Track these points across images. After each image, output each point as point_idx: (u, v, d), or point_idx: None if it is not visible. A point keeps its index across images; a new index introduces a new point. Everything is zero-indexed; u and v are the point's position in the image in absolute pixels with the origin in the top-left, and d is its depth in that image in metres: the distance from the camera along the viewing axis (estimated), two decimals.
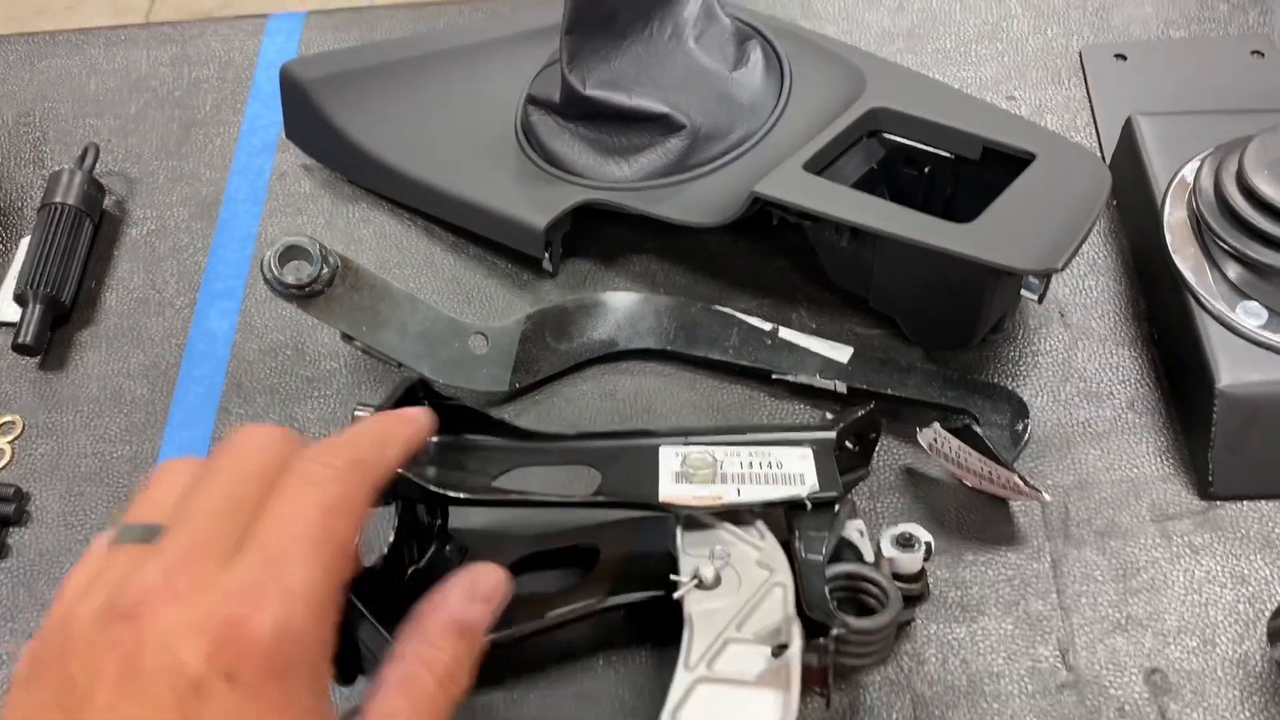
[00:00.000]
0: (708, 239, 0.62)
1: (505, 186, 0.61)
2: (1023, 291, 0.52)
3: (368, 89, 0.66)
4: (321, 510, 0.29)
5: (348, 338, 0.55)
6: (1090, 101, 0.67)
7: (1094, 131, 0.66)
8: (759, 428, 0.50)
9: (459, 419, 0.49)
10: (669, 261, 0.62)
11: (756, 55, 0.62)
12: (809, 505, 0.45)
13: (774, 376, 0.56)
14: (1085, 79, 0.68)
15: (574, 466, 0.49)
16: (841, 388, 0.55)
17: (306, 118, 0.66)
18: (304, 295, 0.53)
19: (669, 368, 0.58)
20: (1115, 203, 0.62)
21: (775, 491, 0.46)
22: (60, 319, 0.62)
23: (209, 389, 0.59)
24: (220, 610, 0.26)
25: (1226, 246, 0.53)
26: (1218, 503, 0.52)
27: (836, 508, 0.46)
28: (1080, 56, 0.69)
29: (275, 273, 0.52)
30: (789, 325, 0.58)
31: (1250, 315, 0.51)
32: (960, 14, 0.73)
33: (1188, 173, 0.57)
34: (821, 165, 0.57)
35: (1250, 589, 0.49)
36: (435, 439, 0.49)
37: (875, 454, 0.52)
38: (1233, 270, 0.53)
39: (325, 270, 0.53)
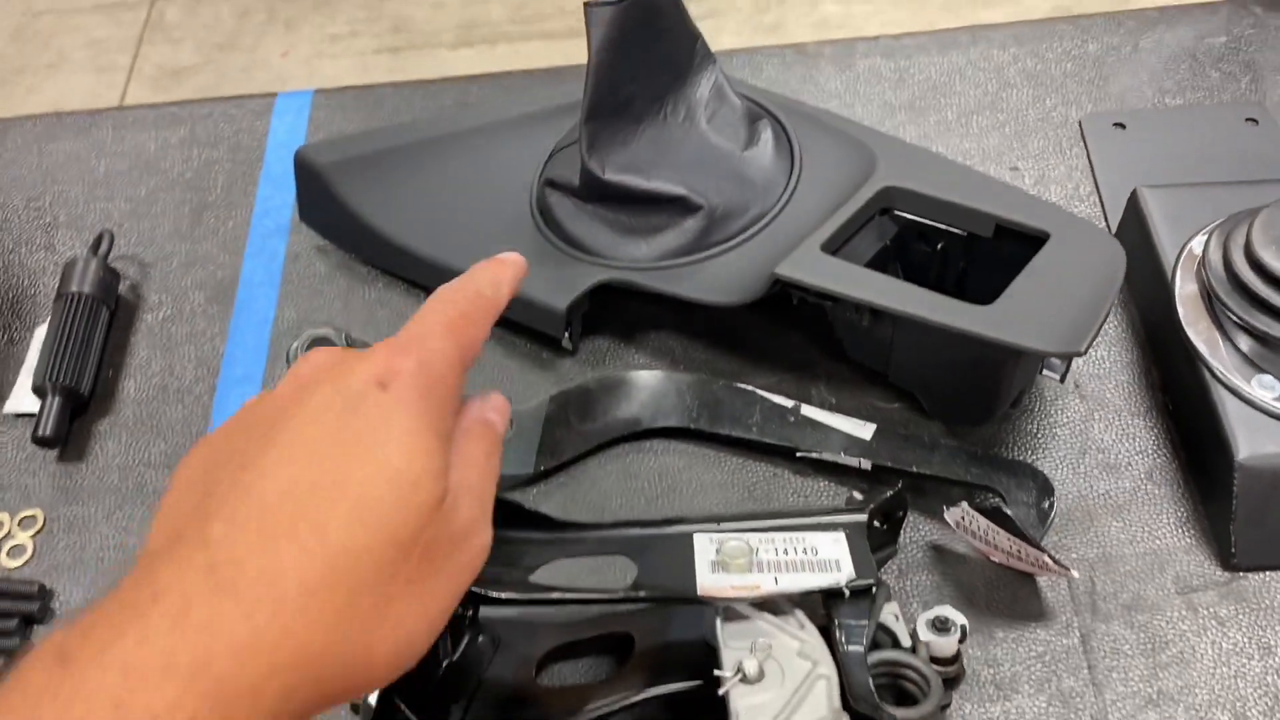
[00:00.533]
0: (725, 314, 0.62)
1: None
2: (1045, 372, 0.53)
3: (382, 172, 0.66)
4: (455, 313, 0.37)
5: None
6: (1093, 171, 0.69)
7: (1098, 201, 0.67)
8: (790, 512, 0.50)
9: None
10: (687, 337, 0.63)
11: (767, 134, 0.63)
12: (847, 593, 0.46)
13: (798, 454, 0.56)
14: (1086, 148, 0.70)
15: (609, 556, 0.50)
16: (866, 465, 0.56)
17: (321, 201, 0.67)
18: None
19: (693, 446, 0.59)
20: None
21: (813, 580, 0.46)
22: (79, 409, 0.62)
23: None
24: (377, 357, 0.34)
25: (1238, 320, 0.54)
26: (1241, 574, 0.52)
27: (874, 593, 0.46)
28: (1080, 126, 0.71)
29: None
30: (809, 401, 0.59)
31: (1265, 389, 0.53)
32: (960, 85, 0.74)
33: (1196, 245, 0.58)
34: (838, 244, 0.58)
35: (1278, 660, 0.50)
36: None
37: (902, 531, 0.53)
38: (1245, 343, 0.54)
39: None
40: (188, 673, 0.27)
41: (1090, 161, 0.69)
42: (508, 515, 0.50)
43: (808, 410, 0.58)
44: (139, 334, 0.66)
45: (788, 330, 0.62)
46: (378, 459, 0.31)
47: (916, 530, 0.55)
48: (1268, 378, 0.53)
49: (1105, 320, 0.51)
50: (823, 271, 0.55)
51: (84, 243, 0.69)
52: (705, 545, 0.48)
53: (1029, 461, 0.56)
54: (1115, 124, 0.71)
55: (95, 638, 0.28)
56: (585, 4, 0.57)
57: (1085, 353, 0.49)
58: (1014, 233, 0.56)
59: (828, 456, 0.56)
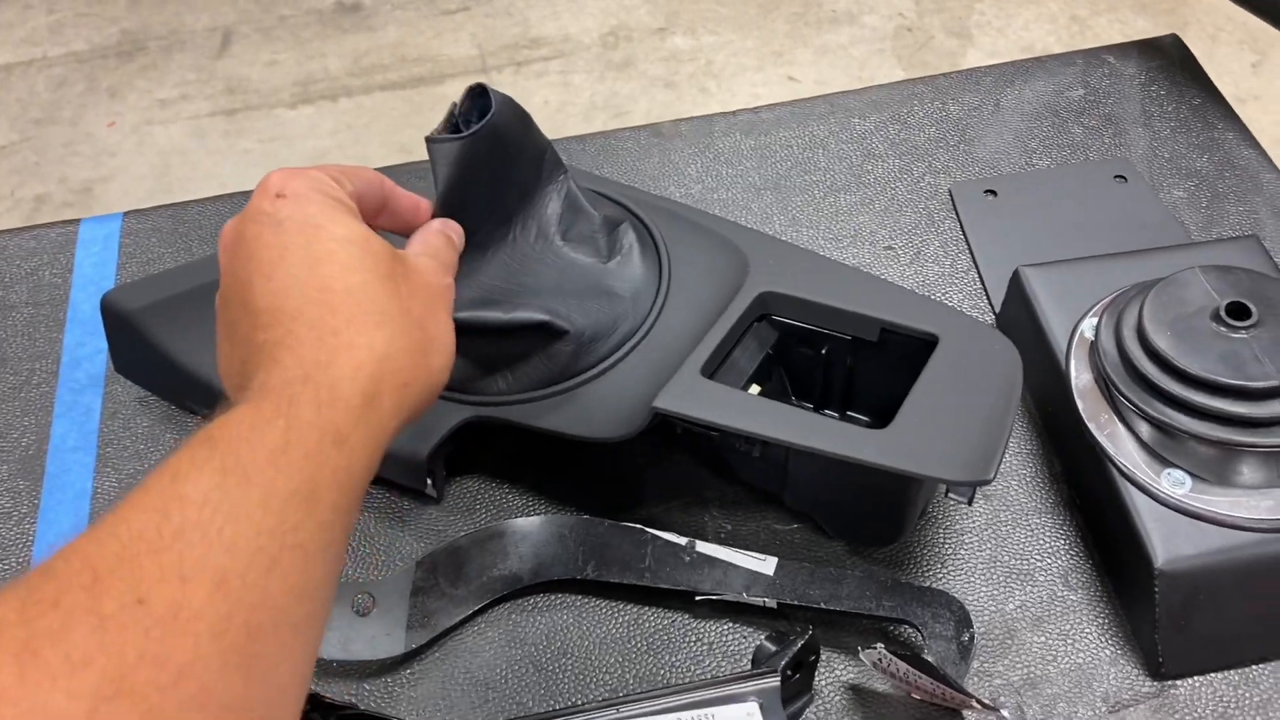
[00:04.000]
0: (602, 443, 0.57)
1: None
2: (951, 495, 0.49)
3: (204, 311, 0.59)
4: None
5: None
6: (968, 243, 0.66)
7: (977, 276, 0.65)
8: (695, 685, 0.45)
9: None
10: (562, 470, 0.57)
11: (630, 240, 0.58)
12: None
13: (698, 599, 0.52)
14: (959, 218, 0.67)
15: None
16: (772, 603, 0.51)
17: (137, 351, 0.59)
18: None
19: (582, 598, 0.53)
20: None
21: None
22: None
23: None
24: (268, 183, 0.41)
25: (1139, 411, 0.51)
26: (1170, 683, 0.50)
27: None
28: (951, 195, 0.68)
29: None
30: (702, 530, 0.54)
31: (1176, 485, 0.50)
32: (824, 159, 0.71)
33: (1087, 329, 0.55)
34: (718, 362, 0.53)
35: None
36: None
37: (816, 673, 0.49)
38: (1149, 435, 0.51)
39: None
40: (355, 389, 0.36)
41: (964, 233, 0.67)
42: None
43: (703, 547, 0.53)
44: None
45: (671, 451, 0.57)
46: (326, 241, 0.39)
47: (831, 670, 0.50)
48: (1178, 472, 0.50)
49: (1009, 435, 0.47)
50: (705, 401, 0.50)
51: None
52: None
53: (940, 578, 0.53)
54: (986, 191, 0.68)
55: (276, 400, 0.35)
56: (427, 139, 0.51)
57: (993, 479, 0.46)
58: (902, 334, 0.53)
59: (729, 597, 0.51)
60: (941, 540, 0.54)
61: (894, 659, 0.47)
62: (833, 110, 0.74)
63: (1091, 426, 0.52)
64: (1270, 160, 0.69)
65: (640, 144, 0.72)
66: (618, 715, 0.44)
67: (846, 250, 0.66)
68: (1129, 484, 0.51)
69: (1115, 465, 0.51)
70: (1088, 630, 0.52)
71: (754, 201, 0.69)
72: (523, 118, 0.54)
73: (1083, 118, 0.72)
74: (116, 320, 0.59)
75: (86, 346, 0.64)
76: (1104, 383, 0.53)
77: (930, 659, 0.48)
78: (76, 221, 0.70)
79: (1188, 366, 0.50)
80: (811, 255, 0.58)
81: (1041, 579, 0.53)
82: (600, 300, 0.56)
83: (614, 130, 0.73)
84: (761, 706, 0.44)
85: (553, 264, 0.56)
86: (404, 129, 1.92)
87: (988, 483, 0.46)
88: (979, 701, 0.45)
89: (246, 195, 0.73)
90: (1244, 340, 0.50)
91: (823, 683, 0.50)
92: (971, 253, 0.66)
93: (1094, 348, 0.54)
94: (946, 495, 0.50)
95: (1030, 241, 0.65)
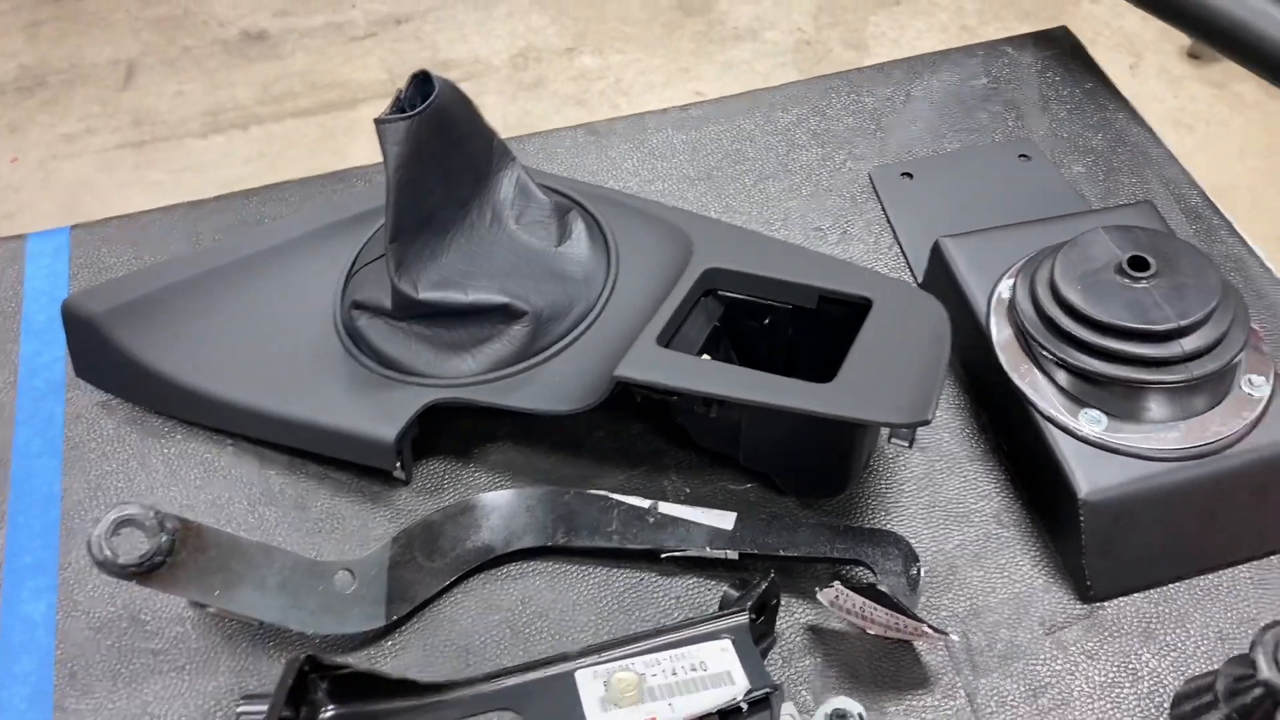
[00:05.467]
0: (563, 417, 0.60)
1: (339, 399, 0.58)
2: (893, 441, 0.53)
3: (165, 312, 0.61)
4: None
5: (198, 604, 0.50)
6: (890, 222, 0.71)
7: (900, 252, 0.69)
8: (671, 627, 0.48)
9: (356, 687, 0.45)
10: (527, 446, 0.60)
11: (579, 226, 0.62)
12: (745, 708, 0.44)
13: (663, 556, 0.55)
14: (880, 200, 0.72)
15: (491, 713, 0.46)
16: (734, 555, 0.54)
17: (99, 354, 0.60)
18: (144, 571, 0.47)
19: (553, 564, 0.56)
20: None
21: (709, 699, 0.44)
22: None
23: (37, 687, 0.52)
24: None
25: (1055, 358, 0.56)
26: (1099, 604, 0.54)
27: (770, 700, 0.45)
28: (871, 179, 0.73)
29: (107, 553, 0.47)
30: (663, 495, 0.57)
31: (1093, 423, 0.55)
32: (752, 152, 0.75)
33: (1004, 289, 0.60)
34: (670, 334, 0.56)
35: (1146, 684, 0.52)
36: (331, 712, 0.44)
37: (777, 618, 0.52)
38: (1065, 380, 0.56)
39: (164, 538, 0.48)
40: None
41: (885, 213, 0.71)
42: (367, 687, 0.45)
43: (666, 508, 0.56)
44: None
45: (629, 422, 0.61)
46: None
47: (791, 614, 0.54)
48: (1094, 411, 0.55)
49: (943, 383, 0.52)
50: (663, 367, 0.53)
51: None
52: (590, 682, 0.45)
53: (886, 524, 0.57)
54: (903, 174, 0.73)
55: None
56: (376, 121, 0.54)
57: (932, 420, 0.50)
58: (838, 301, 0.57)
59: (693, 553, 0.54)
60: (884, 490, 0.58)
61: (849, 594, 0.51)
62: (757, 105, 0.78)
63: (1013, 376, 0.57)
64: (1157, 136, 0.75)
65: (577, 142, 0.75)
66: (600, 659, 0.46)
67: (778, 233, 0.70)
68: (1051, 426, 0.55)
69: (1037, 410, 0.56)
70: (1021, 562, 0.56)
71: (689, 191, 0.72)
72: (466, 102, 0.57)
73: (987, 104, 0.77)
74: (78, 325, 0.60)
75: (44, 355, 0.64)
76: (1022, 336, 0.58)
77: (884, 590, 0.51)
78: (23, 236, 0.70)
79: (1096, 315, 0.55)
80: (751, 233, 0.62)
81: (977, 519, 0.57)
82: (554, 282, 0.59)
83: (553, 130, 0.76)
84: (734, 642, 0.47)
85: (508, 247, 0.59)
86: (319, 154, 1.92)
87: (927, 423, 0.50)
88: (930, 627, 0.49)
89: (192, 204, 0.74)
90: (1145, 289, 0.55)
91: (784, 626, 0.54)
92: (893, 230, 0.70)
93: (1011, 306, 0.59)
94: (890, 442, 0.54)
95: (946, 217, 0.70)
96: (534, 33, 2.17)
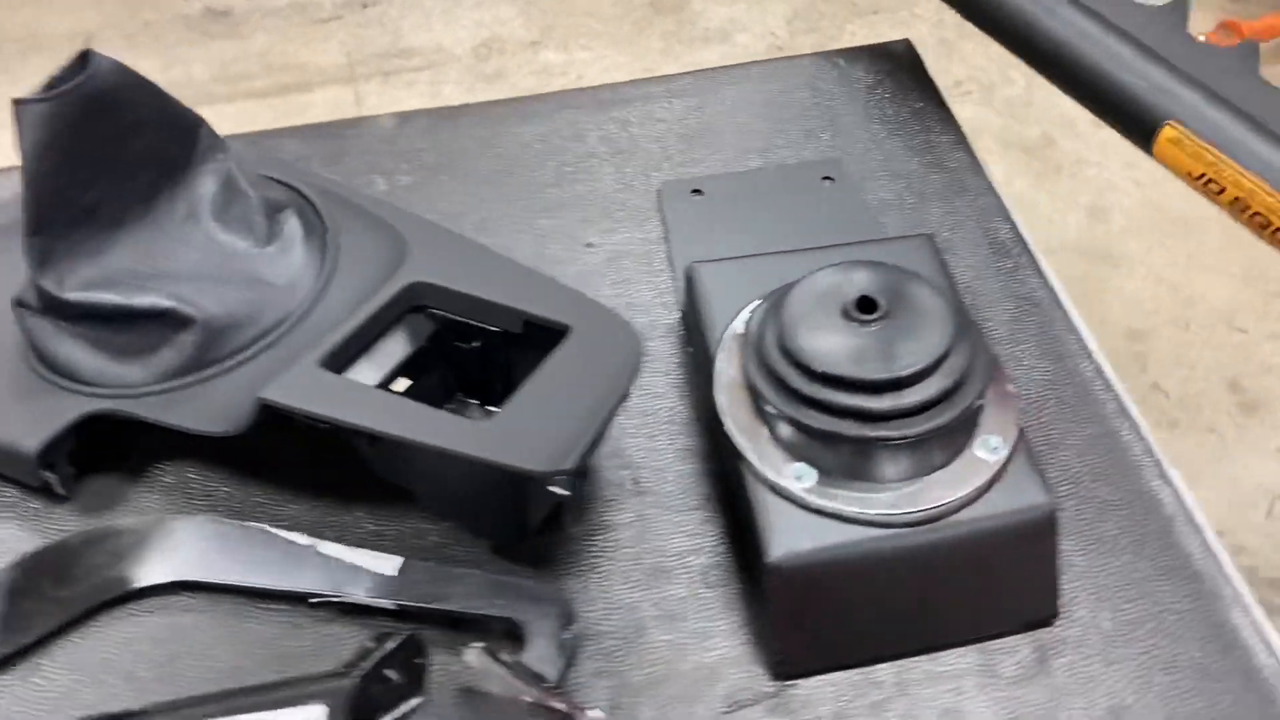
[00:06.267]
0: (250, 438, 0.55)
1: None
2: (552, 489, 0.48)
3: None
4: None
5: None
6: (668, 242, 0.65)
7: (670, 276, 0.64)
8: (262, 687, 0.43)
9: None
10: (210, 468, 0.55)
11: (292, 226, 0.57)
12: None
13: (310, 601, 0.50)
14: (664, 218, 0.66)
15: None
16: (392, 605, 0.49)
17: None
18: None
19: (200, 600, 0.51)
20: (691, 350, 0.60)
21: None
22: None
23: None
24: None
25: (771, 405, 0.50)
26: (790, 683, 0.49)
27: None
28: (659, 195, 0.67)
29: None
30: (344, 531, 0.52)
31: (797, 479, 0.49)
32: (540, 156, 0.70)
33: (739, 325, 0.54)
34: (353, 353, 0.51)
35: None
36: None
37: (428, 678, 0.47)
38: (779, 428, 0.50)
39: None
40: None
41: (667, 232, 0.66)
42: None
43: (327, 548, 0.51)
44: None
45: (325, 450, 0.55)
46: None
47: (448, 672, 0.49)
48: (803, 466, 0.49)
49: (606, 426, 0.46)
50: (312, 393, 0.48)
51: None
52: None
53: (581, 576, 0.52)
54: (693, 191, 0.67)
55: None
56: (14, 102, 0.49)
57: (573, 470, 0.44)
58: (541, 326, 0.52)
59: (345, 599, 0.49)
60: (594, 535, 0.53)
61: (490, 659, 0.45)
62: (558, 108, 0.73)
63: (727, 421, 0.51)
64: (980, 165, 0.69)
65: (384, 133, 0.71)
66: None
67: (546, 246, 0.65)
68: (755, 478, 0.50)
69: (745, 459, 0.50)
70: (720, 628, 0.50)
71: (475, 194, 0.67)
72: (145, 85, 0.52)
73: (803, 119, 0.72)
74: None
75: None
76: (745, 377, 0.52)
77: (527, 658, 0.46)
78: None
79: (806, 359, 0.49)
80: (470, 244, 0.57)
81: (682, 577, 0.52)
82: (245, 288, 0.54)
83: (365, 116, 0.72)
84: (329, 710, 0.42)
85: (198, 247, 0.54)
86: None
87: (565, 473, 0.44)
88: (565, 701, 0.44)
89: None
90: (870, 334, 0.50)
91: (438, 686, 0.48)
92: (670, 253, 0.65)
93: (743, 343, 0.53)
94: (548, 489, 0.48)
95: (727, 240, 0.64)
96: (500, 24, 2.12)
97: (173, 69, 2.04)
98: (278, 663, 0.49)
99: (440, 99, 2.08)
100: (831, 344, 0.49)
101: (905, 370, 0.48)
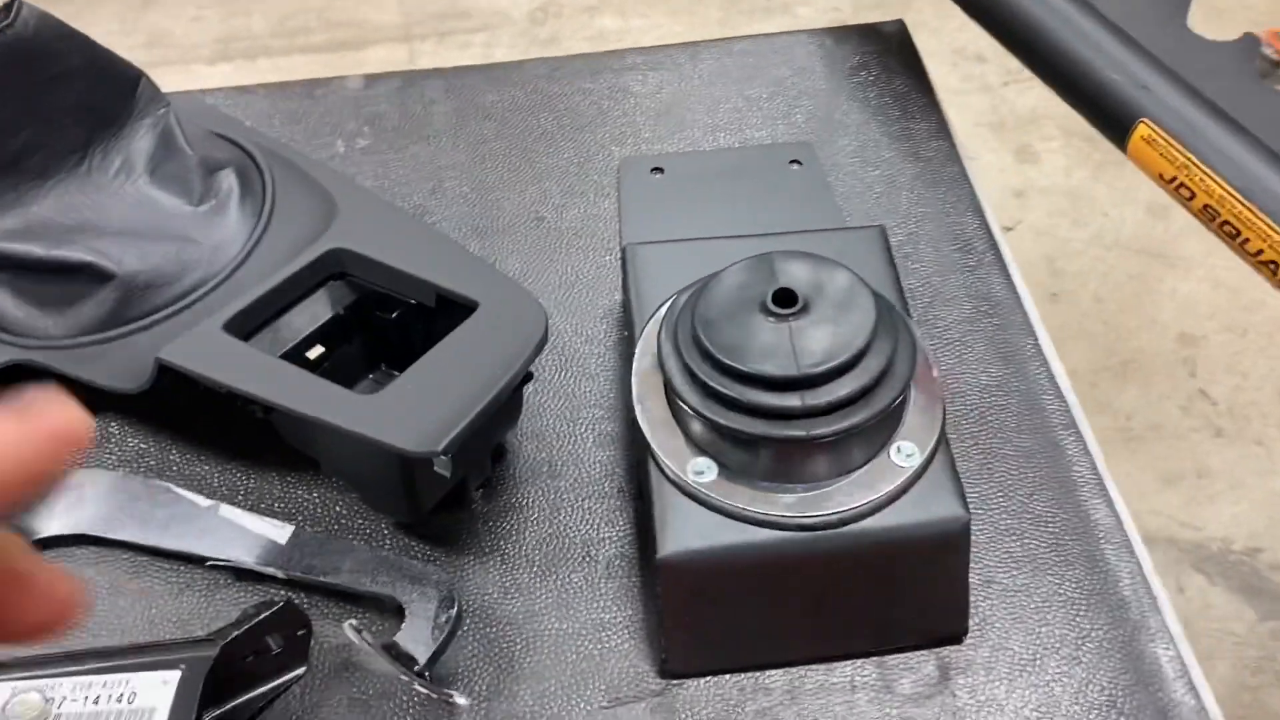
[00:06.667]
0: (175, 395, 0.55)
1: None
2: (436, 469, 0.46)
3: None
4: None
5: None
6: (620, 220, 0.63)
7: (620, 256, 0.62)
8: (120, 649, 0.43)
9: None
10: (132, 424, 0.55)
11: (229, 185, 0.56)
12: None
13: (208, 564, 0.49)
14: (619, 194, 0.64)
15: None
16: (281, 574, 0.49)
17: None
18: None
19: (99, 554, 0.51)
20: (628, 335, 0.58)
21: None
22: None
23: None
24: None
25: (679, 399, 0.48)
26: (677, 681, 0.47)
27: None
28: (619, 170, 0.66)
29: None
30: (256, 496, 0.52)
31: (698, 474, 0.47)
32: (502, 124, 0.68)
33: (662, 312, 0.53)
34: (265, 317, 0.51)
35: None
36: None
37: (313, 649, 0.47)
38: (686, 422, 0.48)
39: None
40: None
41: (620, 210, 0.64)
42: None
43: (226, 510, 0.50)
44: None
45: (244, 416, 0.55)
46: None
47: (329, 644, 0.48)
48: (705, 461, 0.47)
49: (494, 409, 0.45)
50: (209, 356, 0.48)
51: None
52: None
53: (490, 557, 0.50)
54: (654, 169, 0.65)
55: None
56: None
57: (445, 452, 0.43)
58: (452, 300, 0.50)
59: (234, 564, 0.49)
60: (496, 517, 0.52)
61: (363, 636, 0.45)
62: (529, 77, 0.71)
63: (638, 409, 0.50)
64: (959, 155, 0.66)
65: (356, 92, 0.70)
66: (17, 675, 0.41)
67: (496, 219, 0.63)
68: (658, 470, 0.48)
69: (650, 449, 0.48)
70: (614, 621, 0.49)
71: (432, 161, 0.66)
72: (74, 37, 0.52)
73: (778, 98, 0.69)
74: None
75: None
76: (659, 366, 0.50)
77: (401, 638, 0.45)
78: None
79: (714, 351, 0.47)
80: (398, 213, 0.56)
81: (584, 565, 0.51)
82: (170, 245, 0.54)
83: (304, 80, 0.71)
84: (183, 676, 0.42)
85: (128, 201, 0.54)
86: None
87: (435, 454, 0.43)
88: (429, 688, 0.43)
89: None
90: (785, 329, 0.47)
91: (320, 661, 0.48)
92: (621, 232, 0.63)
93: (660, 330, 0.51)
94: (434, 469, 0.47)
95: (681, 221, 0.62)
96: None
97: (233, 20, 2.07)
98: (169, 624, 0.49)
99: (492, 61, 2.08)
100: (741, 337, 0.47)
101: (813, 368, 0.46)
